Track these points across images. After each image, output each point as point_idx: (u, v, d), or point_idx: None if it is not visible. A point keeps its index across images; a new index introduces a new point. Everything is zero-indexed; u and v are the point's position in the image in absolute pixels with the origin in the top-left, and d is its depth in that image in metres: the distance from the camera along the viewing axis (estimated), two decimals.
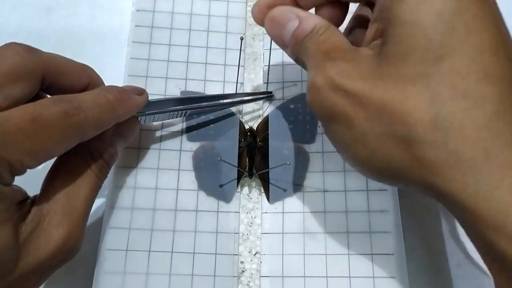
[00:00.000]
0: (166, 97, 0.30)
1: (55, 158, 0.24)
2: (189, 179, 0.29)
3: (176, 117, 0.29)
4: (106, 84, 0.27)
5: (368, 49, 0.21)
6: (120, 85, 0.30)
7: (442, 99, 0.18)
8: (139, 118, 0.27)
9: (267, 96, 0.31)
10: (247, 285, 0.27)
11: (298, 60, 0.24)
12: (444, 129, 0.18)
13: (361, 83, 0.20)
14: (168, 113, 0.28)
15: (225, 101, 0.30)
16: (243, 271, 0.28)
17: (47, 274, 0.23)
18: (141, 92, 0.26)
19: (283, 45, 0.25)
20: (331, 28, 0.23)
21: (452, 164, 0.18)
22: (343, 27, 0.27)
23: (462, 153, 0.18)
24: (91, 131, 0.23)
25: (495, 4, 0.20)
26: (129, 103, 0.25)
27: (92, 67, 0.34)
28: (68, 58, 0.24)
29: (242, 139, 0.30)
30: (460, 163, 0.18)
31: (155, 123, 0.30)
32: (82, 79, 0.25)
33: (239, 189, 0.29)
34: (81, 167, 0.23)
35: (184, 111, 0.29)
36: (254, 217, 0.29)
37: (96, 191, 0.24)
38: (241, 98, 0.31)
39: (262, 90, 0.32)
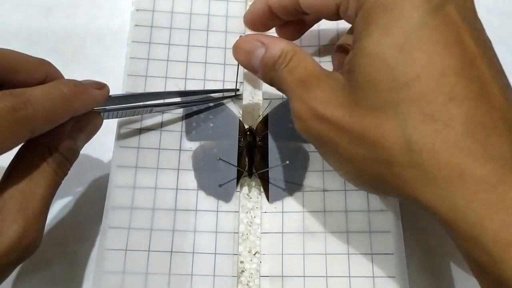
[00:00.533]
0: (128, 92, 0.30)
1: (14, 155, 0.23)
2: (188, 179, 0.29)
3: (140, 114, 0.29)
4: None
5: (340, 75, 0.23)
6: (120, 84, 0.30)
7: (413, 123, 0.20)
8: (102, 113, 0.27)
9: (234, 94, 0.31)
10: (247, 285, 0.27)
11: (272, 84, 0.26)
12: (418, 151, 0.19)
13: (339, 111, 0.22)
14: (131, 110, 0.28)
15: (191, 98, 0.30)
16: (242, 271, 0.28)
17: (4, 272, 0.22)
18: (101, 86, 0.26)
19: (253, 71, 0.27)
20: (298, 52, 0.24)
21: (429, 182, 0.19)
22: None
23: (437, 172, 0.19)
24: (42, 125, 0.22)
25: (464, 23, 0.20)
26: (86, 97, 0.24)
27: (92, 67, 0.34)
28: (21, 53, 0.24)
29: (242, 139, 0.30)
30: (436, 181, 0.19)
31: (150, 121, 0.30)
32: (37, 75, 0.24)
33: (238, 189, 0.29)
34: (38, 163, 0.23)
35: (148, 108, 0.29)
36: (254, 217, 0.29)
37: (54, 188, 0.24)
38: (206, 96, 0.31)
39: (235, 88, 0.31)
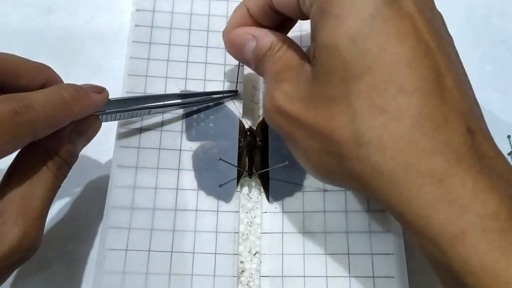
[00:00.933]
0: (127, 95, 0.30)
1: (14, 158, 0.23)
2: (188, 179, 0.29)
3: (138, 116, 0.29)
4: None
5: (310, 67, 0.22)
6: (120, 84, 0.30)
7: (361, 116, 0.19)
8: (100, 117, 0.27)
9: (233, 94, 0.31)
10: (247, 285, 0.27)
11: (261, 75, 0.26)
12: (366, 144, 0.19)
13: (298, 104, 0.22)
14: (130, 112, 0.28)
15: (188, 100, 0.30)
16: (243, 271, 0.28)
17: (4, 274, 0.22)
18: (101, 90, 0.26)
19: (247, 64, 0.27)
20: (287, 43, 0.24)
21: (376, 176, 0.19)
22: None
23: (383, 165, 0.19)
24: (44, 129, 0.22)
25: (420, 16, 0.20)
26: (85, 101, 0.24)
27: (92, 67, 0.34)
28: (22, 58, 0.24)
29: (242, 139, 0.30)
30: (382, 174, 0.19)
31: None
32: (37, 79, 0.24)
33: (238, 189, 0.29)
34: (38, 166, 0.23)
35: (146, 110, 0.29)
36: (254, 217, 0.29)
37: (54, 191, 0.24)
38: (203, 98, 0.31)
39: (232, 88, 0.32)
